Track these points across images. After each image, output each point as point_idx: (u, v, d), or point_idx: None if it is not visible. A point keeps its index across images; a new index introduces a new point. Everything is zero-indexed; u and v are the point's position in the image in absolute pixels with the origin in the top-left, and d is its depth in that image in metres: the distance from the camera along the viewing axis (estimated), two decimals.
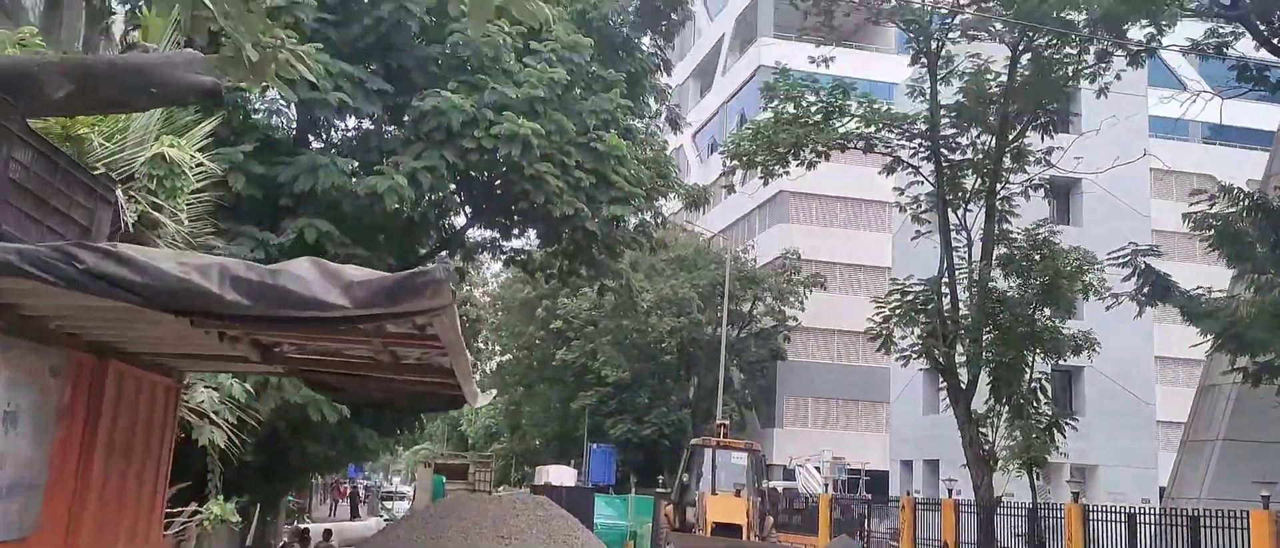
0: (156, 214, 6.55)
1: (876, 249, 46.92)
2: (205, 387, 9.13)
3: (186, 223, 7.13)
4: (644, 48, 17.98)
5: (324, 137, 16.01)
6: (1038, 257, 20.85)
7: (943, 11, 21.09)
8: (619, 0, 17.07)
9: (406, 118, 14.68)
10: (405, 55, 14.67)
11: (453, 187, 15.67)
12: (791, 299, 44.02)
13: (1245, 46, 19.71)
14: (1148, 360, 34.93)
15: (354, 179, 13.90)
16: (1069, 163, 21.98)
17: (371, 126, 15.25)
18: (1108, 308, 18.17)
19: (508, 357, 53.34)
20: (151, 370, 5.77)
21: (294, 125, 15.76)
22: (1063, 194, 33.45)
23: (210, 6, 4.33)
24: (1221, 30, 18.73)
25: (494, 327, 52.45)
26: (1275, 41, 17.33)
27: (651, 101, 18.37)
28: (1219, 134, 49.91)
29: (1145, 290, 17.41)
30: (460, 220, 20.79)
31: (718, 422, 28.81)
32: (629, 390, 43.31)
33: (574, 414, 46.04)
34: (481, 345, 52.76)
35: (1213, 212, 15.95)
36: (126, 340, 5.00)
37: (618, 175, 15.56)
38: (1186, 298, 17.00)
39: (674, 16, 17.75)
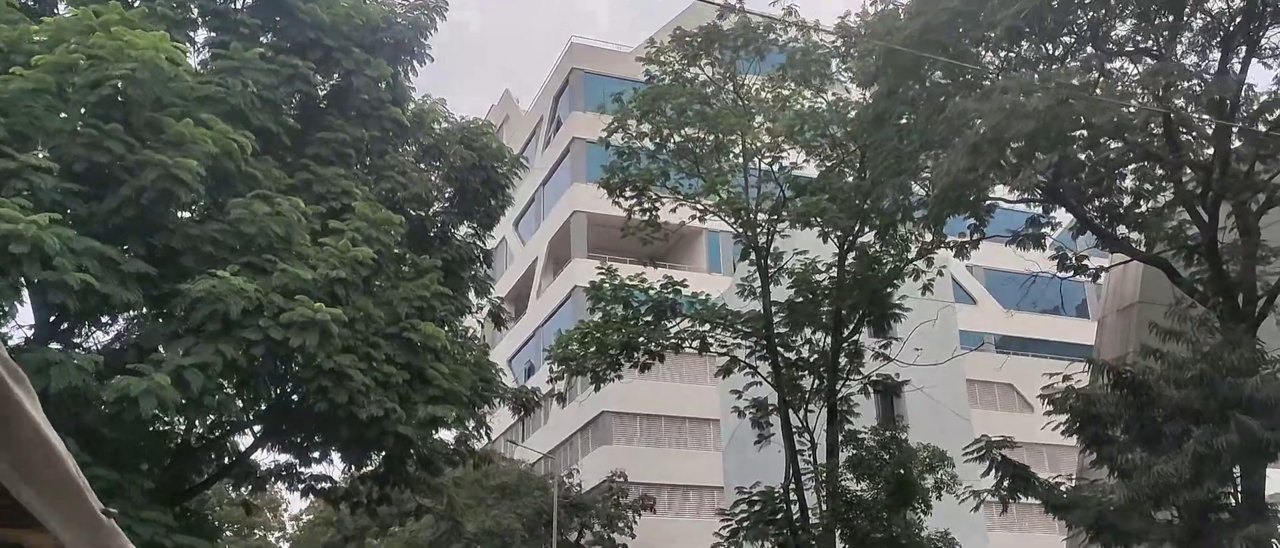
0: None
1: (704, 467, 45.45)
2: None
3: None
4: (460, 237, 16.30)
5: (70, 335, 13.17)
6: (886, 456, 19.70)
7: (768, 204, 20.59)
8: (432, 179, 15.44)
9: (175, 312, 12.20)
10: (174, 235, 12.34)
11: (230, 391, 13.04)
12: (620, 525, 41.41)
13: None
14: None
15: (99, 382, 11.18)
16: (892, 366, 21.51)
17: (130, 320, 12.61)
18: (975, 508, 16.98)
19: None
20: None
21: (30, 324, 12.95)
22: (888, 396, 33.22)
23: None
24: (1041, 217, 18.87)
25: None
26: (1092, 218, 17.46)
27: (472, 295, 16.48)
28: (1006, 346, 52.65)
29: (1005, 484, 16.32)
30: (248, 440, 17.87)
31: None
32: None
33: None
34: None
35: (1076, 388, 15.23)
36: None
37: (436, 371, 13.40)
38: (1048, 490, 16.01)
39: (493, 202, 16.21)
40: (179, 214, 12.72)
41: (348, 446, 15.78)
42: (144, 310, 12.42)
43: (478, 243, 16.63)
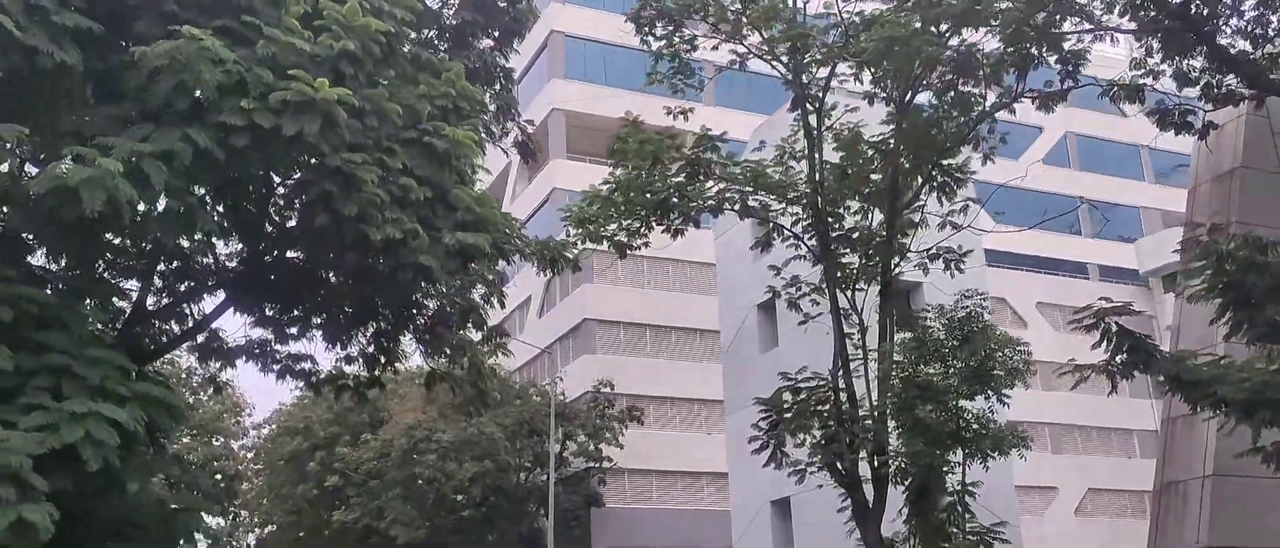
0: None
1: (691, 379, 43.23)
2: None
3: None
4: (480, 48, 13.28)
5: None
6: (964, 333, 17.17)
7: (826, 47, 17.73)
8: None
9: (126, 87, 9.15)
10: None
11: (204, 195, 10.05)
12: (607, 436, 39.09)
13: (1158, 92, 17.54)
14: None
15: (24, 170, 8.21)
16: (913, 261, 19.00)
17: (68, 87, 9.43)
18: (1073, 385, 14.55)
19: (271, 527, 44.99)
20: None
21: None
22: (903, 296, 30.86)
23: None
24: (1150, 61, 16.27)
25: (252, 493, 44.31)
26: (1234, 55, 14.89)
27: (491, 108, 13.49)
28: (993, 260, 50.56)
29: (1120, 359, 13.83)
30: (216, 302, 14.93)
31: None
32: None
33: None
34: (240, 515, 44.34)
35: (1216, 248, 12.76)
36: None
37: (464, 192, 10.52)
38: (1176, 362, 13.59)
39: (519, 4, 13.14)
40: None
41: (339, 300, 12.95)
42: (84, 83, 9.31)
43: (500, 58, 13.61)
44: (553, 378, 38.90)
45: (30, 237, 9.06)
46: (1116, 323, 14.16)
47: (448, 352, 13.29)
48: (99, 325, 11.42)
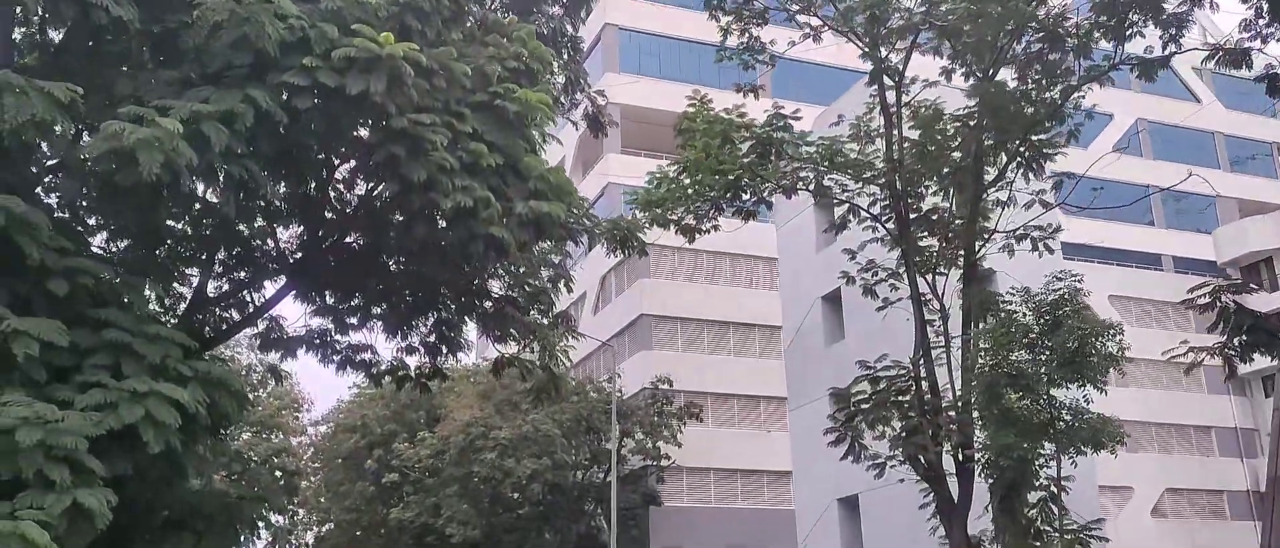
0: None
1: (750, 375, 42.34)
2: None
3: None
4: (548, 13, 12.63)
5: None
6: (1055, 317, 16.17)
7: (906, 16, 16.85)
8: None
9: (185, 45, 8.62)
10: None
11: (262, 173, 9.43)
12: (666, 433, 38.29)
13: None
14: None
15: (78, 128, 7.70)
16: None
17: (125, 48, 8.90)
18: (1187, 370, 13.59)
19: (329, 525, 44.89)
20: None
21: None
22: (985, 280, 29.64)
23: None
24: (1259, 23, 15.18)
25: (310, 491, 44.25)
26: None
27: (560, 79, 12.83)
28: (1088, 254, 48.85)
29: (1239, 340, 12.83)
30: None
31: None
32: None
33: None
34: (298, 513, 44.30)
35: None
36: None
37: (535, 160, 9.86)
38: None
39: None
40: None
41: (401, 288, 12.36)
42: (141, 44, 8.79)
43: (568, 24, 12.95)
44: (611, 374, 38.22)
45: (85, 206, 8.54)
46: (1235, 302, 13.20)
47: (515, 335, 12.65)
48: (160, 308, 10.98)
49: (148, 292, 9.42)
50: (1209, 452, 47.98)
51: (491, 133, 9.44)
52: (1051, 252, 18.33)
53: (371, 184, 10.38)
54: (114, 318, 8.20)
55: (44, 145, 7.83)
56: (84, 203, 8.80)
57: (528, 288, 12.02)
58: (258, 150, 8.56)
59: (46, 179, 8.78)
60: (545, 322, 13.31)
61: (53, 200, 8.71)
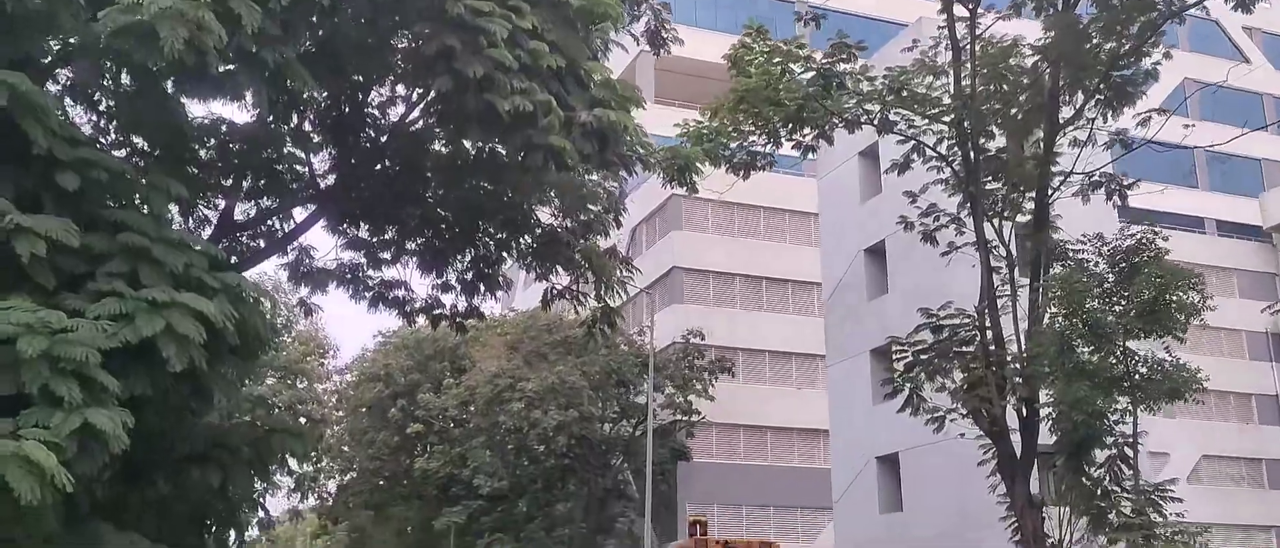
0: None
1: (784, 332, 41.38)
2: None
3: None
4: None
5: None
6: (1131, 264, 15.11)
7: None
8: None
9: None
10: None
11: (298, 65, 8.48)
12: (697, 387, 37.47)
13: None
14: None
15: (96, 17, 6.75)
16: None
17: None
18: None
19: (351, 474, 44.52)
20: None
21: None
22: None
23: None
24: None
25: (334, 439, 43.78)
26: None
27: None
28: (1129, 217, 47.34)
29: None
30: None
31: (693, 520, 21.58)
32: (506, 502, 35.46)
33: (438, 537, 37.62)
34: (321, 461, 43.87)
35: None
36: None
37: (597, 67, 8.86)
38: None
39: None
40: None
41: (438, 221, 11.41)
42: None
43: None
44: (642, 326, 37.35)
45: (99, 94, 7.61)
46: None
47: (562, 268, 11.70)
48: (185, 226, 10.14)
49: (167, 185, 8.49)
50: (1249, 418, 46.81)
51: (553, 32, 8.44)
52: (1125, 201, 17.25)
53: (417, 89, 9.40)
54: (131, 220, 7.29)
55: (57, 21, 6.88)
56: (98, 94, 7.88)
57: (583, 216, 11.02)
58: (294, 36, 7.60)
59: (57, 71, 7.86)
60: (601, 250, 12.35)
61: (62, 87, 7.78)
